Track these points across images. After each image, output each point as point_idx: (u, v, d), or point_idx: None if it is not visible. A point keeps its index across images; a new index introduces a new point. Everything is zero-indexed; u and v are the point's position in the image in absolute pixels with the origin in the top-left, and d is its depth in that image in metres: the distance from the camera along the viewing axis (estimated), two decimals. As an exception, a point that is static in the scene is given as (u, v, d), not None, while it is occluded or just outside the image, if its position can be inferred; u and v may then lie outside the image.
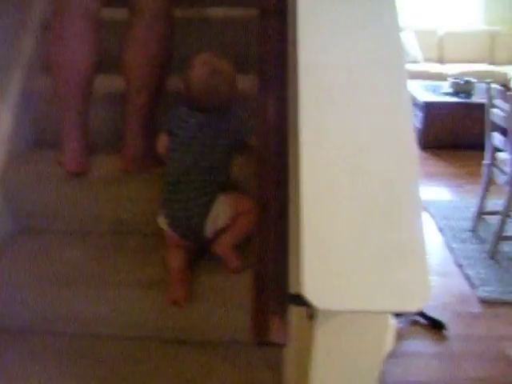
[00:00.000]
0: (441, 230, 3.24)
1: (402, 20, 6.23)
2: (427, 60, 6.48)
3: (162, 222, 1.56)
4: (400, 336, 2.30)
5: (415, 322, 2.40)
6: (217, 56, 1.54)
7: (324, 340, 0.82)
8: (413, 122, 0.83)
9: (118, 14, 1.73)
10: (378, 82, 0.87)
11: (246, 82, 1.62)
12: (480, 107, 4.54)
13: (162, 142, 1.59)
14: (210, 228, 1.50)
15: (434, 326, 2.37)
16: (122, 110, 1.72)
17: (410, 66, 6.04)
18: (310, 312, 0.80)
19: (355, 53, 0.90)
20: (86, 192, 1.72)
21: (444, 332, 2.35)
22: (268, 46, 1.10)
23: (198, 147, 1.50)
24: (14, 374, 1.50)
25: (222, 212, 1.49)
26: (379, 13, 0.96)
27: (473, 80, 4.83)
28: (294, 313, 0.87)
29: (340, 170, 0.78)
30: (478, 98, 4.67)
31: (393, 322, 1.82)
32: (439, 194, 3.76)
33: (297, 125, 0.82)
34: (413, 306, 0.71)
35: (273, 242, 0.86)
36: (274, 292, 0.81)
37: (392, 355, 2.15)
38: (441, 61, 6.59)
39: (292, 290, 0.80)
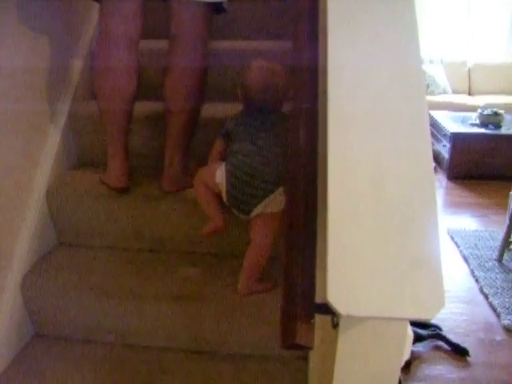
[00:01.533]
0: (466, 258, 3.25)
1: (431, 52, 6.32)
2: (456, 92, 6.50)
3: (218, 176, 1.60)
4: (422, 360, 2.32)
5: (438, 348, 2.42)
6: (269, 60, 1.67)
7: (346, 347, 0.89)
8: (431, 148, 0.90)
9: (156, 44, 1.86)
10: (399, 111, 0.94)
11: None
12: (508, 138, 4.60)
13: (217, 147, 1.69)
14: (261, 208, 1.57)
15: (457, 352, 2.38)
16: (161, 134, 1.83)
17: (438, 98, 6.09)
18: (335, 321, 0.87)
19: (378, 85, 0.97)
20: (126, 210, 1.82)
21: (467, 358, 2.36)
22: (299, 78, 1.19)
23: (260, 142, 1.59)
24: (52, 379, 1.58)
25: (275, 202, 1.56)
26: (402, 47, 1.03)
27: (501, 111, 4.84)
28: (319, 323, 0.94)
29: (363, 190, 0.85)
30: (506, 129, 4.68)
31: (410, 333, 1.85)
32: (465, 224, 3.77)
33: (325, 150, 0.90)
34: (427, 315, 0.77)
35: (301, 256, 0.93)
36: (302, 301, 0.88)
37: (414, 379, 2.19)
38: (469, 92, 6.62)
39: (318, 300, 0.87)
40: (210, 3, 1.71)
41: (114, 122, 1.76)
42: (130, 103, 1.76)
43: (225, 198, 1.61)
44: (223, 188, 1.60)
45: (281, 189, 1.57)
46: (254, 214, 1.58)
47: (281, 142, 1.59)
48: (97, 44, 1.74)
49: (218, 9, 1.76)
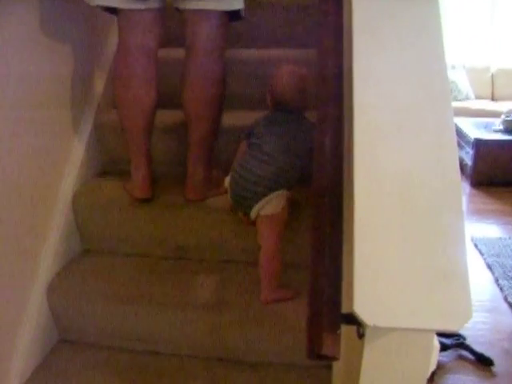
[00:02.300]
0: (490, 267, 3.21)
1: (454, 58, 6.26)
2: (479, 97, 6.44)
3: (227, 181, 1.70)
4: (446, 370, 2.30)
5: (462, 357, 2.39)
6: (298, 65, 1.72)
7: (372, 358, 0.88)
8: (458, 157, 0.90)
9: (176, 53, 1.87)
10: (425, 120, 0.94)
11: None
12: (532, 145, 4.54)
13: (240, 149, 1.74)
14: (256, 210, 1.61)
15: (482, 362, 2.34)
16: (184, 143, 1.84)
17: (461, 104, 6.02)
18: (361, 331, 0.86)
19: (404, 93, 0.97)
20: (150, 218, 1.84)
21: (491, 368, 2.33)
22: (325, 86, 1.19)
23: (267, 147, 1.62)
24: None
25: (274, 202, 1.60)
26: (427, 54, 1.03)
27: (525, 118, 4.78)
28: (345, 333, 0.94)
29: (390, 200, 0.85)
30: (530, 135, 4.62)
31: (436, 344, 1.84)
32: (489, 231, 3.73)
33: (351, 159, 0.90)
34: (454, 326, 0.77)
35: (327, 266, 0.93)
36: (328, 311, 0.88)
37: (438, 388, 2.16)
38: (493, 98, 6.55)
39: (344, 310, 0.87)
40: (227, 11, 1.71)
41: (135, 132, 1.77)
42: (150, 114, 1.77)
43: (229, 201, 1.69)
44: (228, 191, 1.69)
45: (277, 192, 1.59)
46: (252, 215, 1.63)
47: (290, 148, 1.62)
48: (116, 55, 1.75)
49: (234, 17, 1.76)
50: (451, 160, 0.89)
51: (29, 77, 1.65)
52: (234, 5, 1.70)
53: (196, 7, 1.66)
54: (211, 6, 1.65)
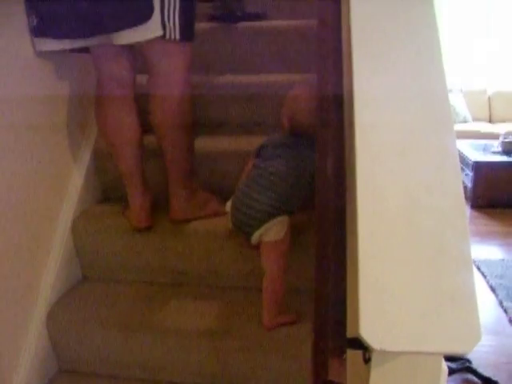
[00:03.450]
0: (493, 289, 3.19)
1: (451, 81, 6.33)
2: (476, 120, 6.49)
3: (228, 205, 1.67)
4: (453, 395, 2.27)
5: (468, 381, 2.36)
6: (309, 87, 1.67)
7: (379, 383, 0.87)
8: (461, 178, 0.89)
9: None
10: (427, 141, 0.94)
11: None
12: (531, 166, 4.56)
13: (247, 167, 1.72)
14: (257, 236, 1.57)
15: (488, 386, 2.33)
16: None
17: (459, 126, 6.07)
18: (367, 356, 0.85)
19: (406, 115, 0.97)
20: (150, 244, 1.83)
21: (498, 392, 2.30)
22: (326, 107, 1.19)
23: (284, 164, 1.60)
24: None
25: (272, 231, 1.57)
26: (428, 77, 1.03)
27: (523, 139, 4.81)
28: (350, 358, 0.92)
29: (394, 222, 0.84)
30: (528, 157, 4.65)
31: (444, 368, 1.80)
32: (491, 253, 3.72)
33: (354, 181, 0.89)
34: (463, 349, 0.75)
35: (331, 291, 0.92)
36: (333, 336, 0.87)
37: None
38: (490, 120, 6.60)
39: (349, 335, 0.85)
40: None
41: (123, 161, 1.77)
42: (134, 141, 1.76)
43: (229, 225, 1.66)
44: (228, 216, 1.67)
45: (278, 218, 1.56)
46: (253, 241, 1.60)
47: (296, 173, 1.60)
48: (96, 87, 1.76)
49: (186, 37, 1.64)
50: (454, 182, 0.88)
51: (25, 100, 1.65)
52: (148, 34, 1.57)
53: (116, 43, 1.59)
54: (123, 40, 1.57)
